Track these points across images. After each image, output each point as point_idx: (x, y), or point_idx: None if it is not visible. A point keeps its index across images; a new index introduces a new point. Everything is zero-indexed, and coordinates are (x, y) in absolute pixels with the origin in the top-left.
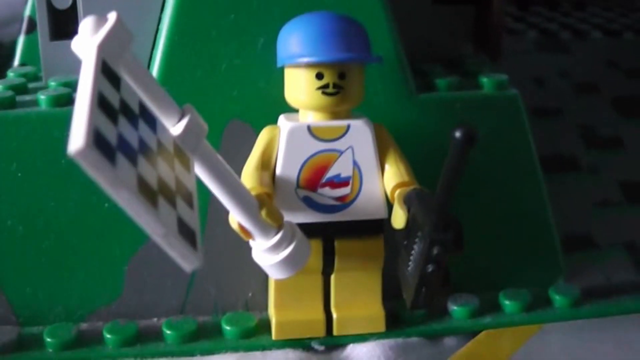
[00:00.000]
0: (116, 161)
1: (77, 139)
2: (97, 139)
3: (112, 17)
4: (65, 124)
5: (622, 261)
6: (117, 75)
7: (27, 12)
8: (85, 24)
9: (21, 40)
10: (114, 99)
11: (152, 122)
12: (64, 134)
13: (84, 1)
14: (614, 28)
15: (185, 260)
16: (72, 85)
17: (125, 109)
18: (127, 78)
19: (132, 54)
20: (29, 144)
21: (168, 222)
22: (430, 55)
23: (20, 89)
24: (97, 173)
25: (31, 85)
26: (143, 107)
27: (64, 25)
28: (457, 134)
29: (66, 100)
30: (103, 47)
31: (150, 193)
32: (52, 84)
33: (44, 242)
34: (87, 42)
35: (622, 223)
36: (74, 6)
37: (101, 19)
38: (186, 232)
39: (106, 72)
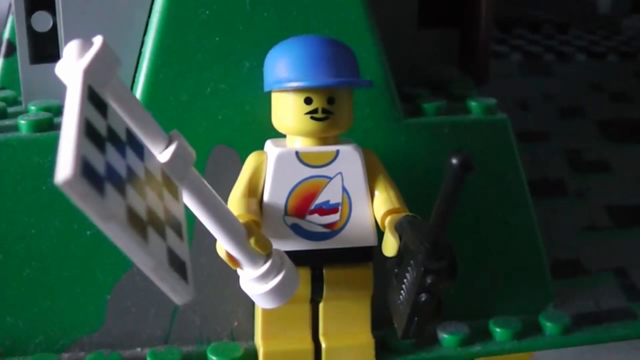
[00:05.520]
0: (105, 191)
1: (64, 168)
2: (84, 169)
3: (97, 40)
4: (46, 149)
5: (612, 287)
6: (103, 101)
7: (6, 34)
8: (70, 48)
9: (0, 64)
10: (101, 126)
11: (139, 149)
12: (44, 159)
13: (65, 24)
14: (598, 50)
15: (176, 293)
16: (53, 110)
17: (112, 136)
18: (113, 104)
19: (119, 79)
20: (8, 170)
21: (158, 254)
22: (416, 78)
23: (0, 114)
24: (85, 204)
25: (10, 109)
26: (130, 134)
27: (44, 49)
28: (454, 161)
29: (47, 126)
30: (89, 72)
31: (139, 224)
32: (32, 108)
33: (24, 270)
34: (72, 66)
35: (611, 248)
36: (54, 29)
37: (87, 43)
38: (177, 264)
39: (92, 98)
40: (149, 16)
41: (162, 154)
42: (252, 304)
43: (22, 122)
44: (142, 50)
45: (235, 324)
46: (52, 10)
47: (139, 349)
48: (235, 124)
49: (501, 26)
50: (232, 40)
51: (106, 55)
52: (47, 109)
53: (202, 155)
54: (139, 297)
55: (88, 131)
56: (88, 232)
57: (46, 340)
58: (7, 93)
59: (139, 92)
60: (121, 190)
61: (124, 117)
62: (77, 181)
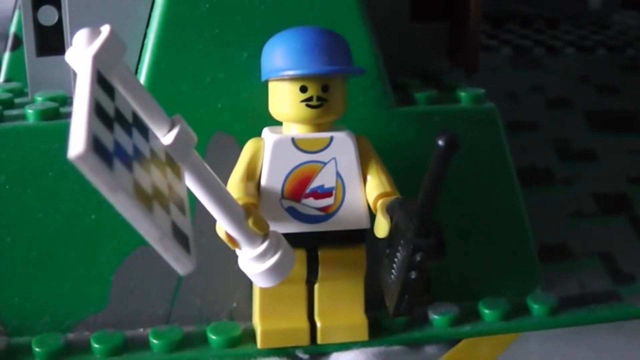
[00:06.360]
0: (113, 166)
1: (76, 144)
2: (95, 144)
3: (105, 29)
4: (52, 136)
5: (598, 271)
6: (111, 85)
7: (13, 28)
8: (80, 36)
9: (6, 57)
10: (109, 107)
11: (144, 131)
12: (51, 146)
13: (70, 18)
14: (587, 44)
15: (179, 263)
16: (58, 100)
17: (120, 117)
18: (120, 88)
19: (125, 65)
20: (17, 157)
21: (163, 225)
22: (408, 70)
23: (7, 104)
24: (96, 177)
25: (17, 100)
26: (136, 117)
27: (49, 42)
28: (440, 141)
29: (53, 114)
30: (98, 58)
31: (145, 197)
32: (39, 98)
33: (31, 253)
34: (81, 53)
35: (597, 233)
36: (59, 23)
37: (95, 32)
38: (180, 236)
39: (101, 82)
40: (151, 9)
41: (166, 137)
42: (250, 286)
43: (30, 111)
44: (145, 42)
45: (234, 304)
46: (57, 5)
47: (141, 329)
48: (234, 111)
49: (493, 22)
50: (231, 31)
51: (113, 42)
52: (52, 99)
53: (202, 141)
54: (141, 278)
55: (98, 112)
56: (92, 216)
57: (52, 320)
58: (14, 85)
59: (142, 81)
60: (128, 165)
61: (130, 101)
62: (88, 155)
